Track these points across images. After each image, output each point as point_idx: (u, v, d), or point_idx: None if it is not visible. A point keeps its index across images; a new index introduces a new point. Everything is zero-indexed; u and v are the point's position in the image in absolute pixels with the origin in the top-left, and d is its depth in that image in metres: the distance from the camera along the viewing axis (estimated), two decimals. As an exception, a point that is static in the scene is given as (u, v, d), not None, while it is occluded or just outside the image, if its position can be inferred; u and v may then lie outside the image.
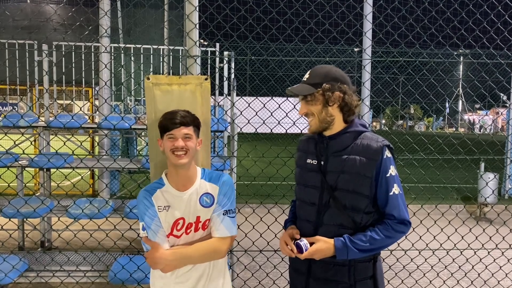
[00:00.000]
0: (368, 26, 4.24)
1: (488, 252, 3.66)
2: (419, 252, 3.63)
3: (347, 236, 1.82)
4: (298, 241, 1.87)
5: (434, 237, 3.58)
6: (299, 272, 2.00)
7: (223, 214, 1.99)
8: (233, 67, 6.53)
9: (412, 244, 3.53)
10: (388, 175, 1.84)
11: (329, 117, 1.89)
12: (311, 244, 1.85)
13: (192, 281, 2.01)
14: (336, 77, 1.89)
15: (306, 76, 1.94)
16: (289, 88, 1.94)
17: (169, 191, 1.99)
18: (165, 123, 1.95)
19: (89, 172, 8.27)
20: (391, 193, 1.84)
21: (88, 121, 4.88)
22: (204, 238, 2.01)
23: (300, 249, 1.84)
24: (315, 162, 1.95)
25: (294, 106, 3.34)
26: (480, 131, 30.54)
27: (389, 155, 1.87)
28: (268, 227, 3.42)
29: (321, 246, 1.82)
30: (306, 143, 2.05)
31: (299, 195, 2.03)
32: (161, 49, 8.58)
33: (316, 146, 1.98)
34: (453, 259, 3.73)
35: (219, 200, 2.00)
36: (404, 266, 3.69)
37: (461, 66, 31.78)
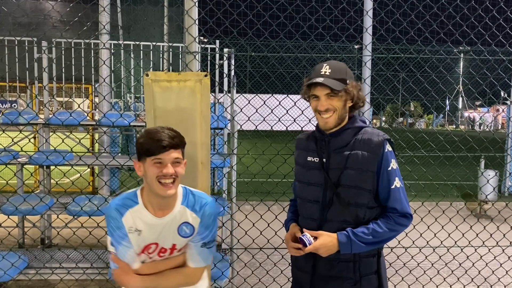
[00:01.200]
0: (369, 22, 4.23)
1: (489, 249, 3.65)
2: (420, 250, 3.63)
3: (350, 230, 1.82)
4: (300, 236, 1.86)
5: (435, 234, 3.57)
6: (303, 271, 1.98)
7: (201, 246, 1.82)
8: (233, 63, 6.50)
9: (413, 242, 3.52)
10: (389, 168, 1.85)
11: (345, 113, 1.90)
12: (315, 238, 1.84)
13: None
14: (351, 74, 1.91)
15: (327, 70, 1.85)
16: (319, 80, 1.82)
17: (143, 214, 1.77)
18: (150, 146, 1.66)
19: (89, 169, 8.26)
20: (393, 187, 1.85)
21: (88, 118, 4.86)
22: (178, 259, 1.87)
23: (303, 244, 1.84)
24: (316, 159, 1.94)
25: (295, 103, 3.33)
26: (480, 129, 30.53)
27: (390, 148, 1.88)
28: (268, 224, 3.41)
29: (325, 240, 1.81)
30: (306, 141, 2.04)
31: (301, 193, 2.01)
32: (161, 46, 8.55)
33: (316, 143, 1.97)
34: (454, 256, 3.72)
35: (199, 231, 1.81)
36: (404, 264, 3.68)
37: (461, 63, 31.73)
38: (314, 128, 2.04)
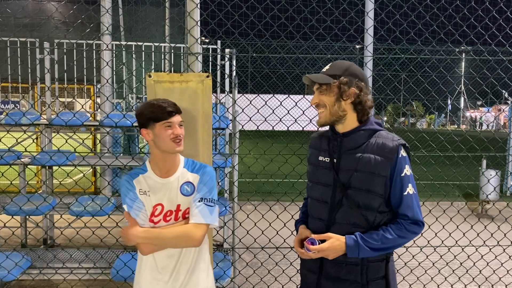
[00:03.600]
0: (369, 23, 4.24)
1: (490, 249, 3.66)
2: (421, 249, 3.64)
3: (359, 234, 1.80)
4: (307, 241, 1.86)
5: (436, 234, 3.58)
6: (311, 271, 1.98)
7: (199, 201, 1.99)
8: (234, 64, 6.52)
9: (414, 241, 3.52)
10: (403, 174, 1.82)
11: (341, 112, 1.87)
12: (322, 241, 1.83)
13: (167, 272, 2.02)
14: (355, 73, 1.88)
15: (326, 67, 1.92)
16: (307, 75, 1.91)
17: (151, 177, 2.03)
18: (160, 113, 1.94)
19: (91, 169, 8.29)
20: (406, 193, 1.82)
21: (90, 118, 4.89)
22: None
23: (312, 243, 1.84)
24: (327, 159, 1.93)
25: (296, 104, 3.35)
26: (480, 128, 30.46)
27: (404, 154, 1.85)
28: (270, 224, 3.43)
29: (333, 243, 1.80)
30: (319, 140, 2.03)
31: (311, 193, 2.01)
32: (163, 47, 8.57)
33: (329, 143, 1.96)
34: (455, 256, 3.73)
35: (198, 188, 2.02)
36: (405, 263, 3.70)
37: (463, 63, 31.70)
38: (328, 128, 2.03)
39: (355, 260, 1.84)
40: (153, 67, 8.53)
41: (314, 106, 1.93)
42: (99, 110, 7.28)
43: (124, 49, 8.63)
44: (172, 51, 8.09)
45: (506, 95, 9.73)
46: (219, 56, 6.78)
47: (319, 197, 1.94)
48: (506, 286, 4.16)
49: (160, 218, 2.01)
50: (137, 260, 2.11)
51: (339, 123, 1.90)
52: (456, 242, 3.60)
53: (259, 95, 3.68)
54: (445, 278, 3.90)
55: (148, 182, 2.02)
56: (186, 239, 1.94)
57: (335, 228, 1.87)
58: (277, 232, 3.39)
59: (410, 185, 1.84)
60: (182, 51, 7.91)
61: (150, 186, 2.01)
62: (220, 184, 8.12)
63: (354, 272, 1.86)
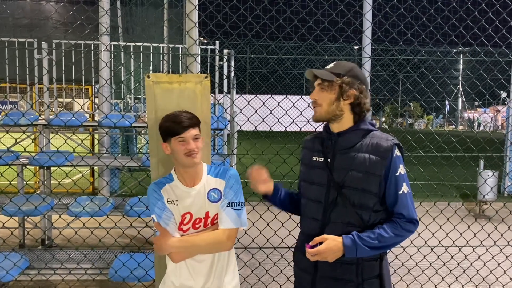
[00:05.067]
0: (367, 24, 4.26)
1: (487, 249, 3.68)
2: (418, 249, 3.65)
3: (355, 233, 1.81)
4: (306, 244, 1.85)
5: (433, 234, 3.59)
6: (305, 271, 1.98)
7: (227, 206, 2.02)
8: (232, 65, 6.55)
9: (411, 241, 3.55)
10: (397, 174, 1.84)
11: (338, 111, 1.88)
12: (319, 244, 1.82)
13: (201, 276, 2.05)
14: (358, 76, 1.90)
15: (330, 65, 1.93)
16: (311, 69, 1.92)
17: (177, 186, 2.05)
18: (173, 128, 1.96)
19: (90, 170, 8.28)
20: (400, 192, 1.84)
21: (88, 119, 4.89)
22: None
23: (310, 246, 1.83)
24: (321, 159, 1.94)
25: (293, 104, 3.36)
26: (477, 129, 30.50)
27: (399, 154, 1.87)
28: (268, 224, 3.44)
29: (330, 244, 1.80)
30: (312, 142, 2.04)
31: (305, 193, 2.02)
32: (161, 48, 8.59)
33: (323, 144, 1.97)
34: (452, 256, 3.75)
35: (224, 193, 2.05)
36: (403, 263, 3.71)
37: (460, 64, 31.78)
38: (322, 129, 2.05)
39: (350, 259, 1.84)
40: (151, 67, 8.54)
41: (312, 100, 1.93)
42: (97, 110, 7.29)
43: (122, 49, 8.64)
44: (171, 52, 8.11)
45: (504, 95, 9.76)
46: (217, 57, 6.80)
47: (313, 197, 1.95)
48: (503, 286, 4.18)
49: (189, 226, 2.05)
50: (166, 268, 2.14)
51: (334, 122, 1.91)
52: (453, 242, 3.62)
53: (257, 95, 3.70)
54: (442, 278, 3.91)
55: (176, 191, 2.04)
56: (218, 245, 2.02)
57: (330, 227, 1.87)
58: (275, 232, 3.41)
59: (404, 184, 1.86)
60: (180, 52, 7.92)
61: (177, 196, 2.04)
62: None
63: (349, 271, 1.86)
